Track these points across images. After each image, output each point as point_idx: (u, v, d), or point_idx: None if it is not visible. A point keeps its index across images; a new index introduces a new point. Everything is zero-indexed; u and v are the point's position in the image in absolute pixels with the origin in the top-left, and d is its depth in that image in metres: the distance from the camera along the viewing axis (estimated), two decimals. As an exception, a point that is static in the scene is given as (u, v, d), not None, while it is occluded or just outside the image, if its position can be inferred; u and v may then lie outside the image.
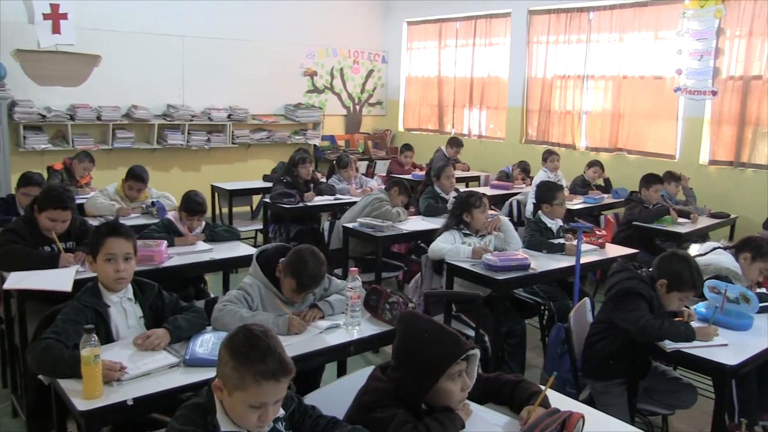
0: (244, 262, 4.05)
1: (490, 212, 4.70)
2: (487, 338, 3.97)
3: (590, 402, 3.17)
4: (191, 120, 8.77)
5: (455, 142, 8.80)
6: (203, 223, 4.49)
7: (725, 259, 3.83)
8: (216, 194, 7.28)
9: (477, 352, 2.09)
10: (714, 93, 7.28)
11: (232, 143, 9.22)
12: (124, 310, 2.73)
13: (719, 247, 3.97)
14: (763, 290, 3.67)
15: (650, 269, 3.27)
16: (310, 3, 10.01)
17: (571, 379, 3.33)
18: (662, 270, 3.16)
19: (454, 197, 5.83)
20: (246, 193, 7.40)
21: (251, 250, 4.05)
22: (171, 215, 4.54)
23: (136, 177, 5.42)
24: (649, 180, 6.14)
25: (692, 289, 3.14)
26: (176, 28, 8.69)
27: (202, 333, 2.73)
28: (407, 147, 9.00)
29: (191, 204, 4.40)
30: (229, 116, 9.14)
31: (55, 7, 7.64)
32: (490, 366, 3.93)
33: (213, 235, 4.46)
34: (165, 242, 4.01)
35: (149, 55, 8.51)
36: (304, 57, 10.21)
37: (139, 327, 2.72)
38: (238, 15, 9.25)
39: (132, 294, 2.77)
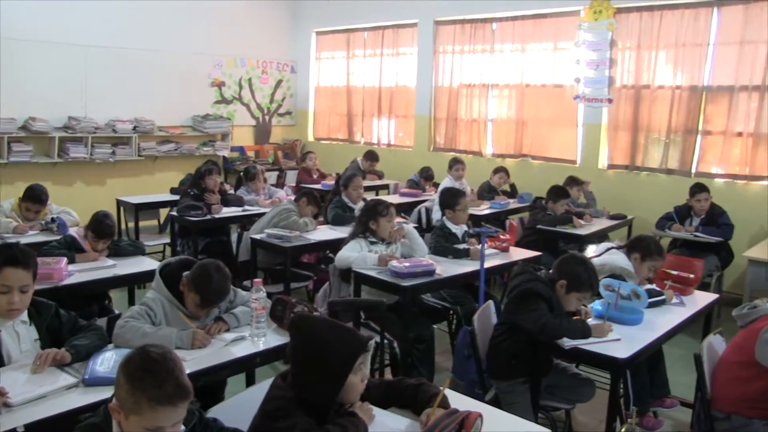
0: (149, 277, 3.93)
1: (399, 220, 4.77)
2: (396, 344, 4.03)
3: (496, 402, 3.27)
4: (95, 132, 8.51)
5: (371, 156, 8.87)
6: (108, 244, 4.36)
7: (619, 259, 4.02)
8: (122, 208, 7.08)
9: (373, 343, 2.14)
10: (610, 101, 7.63)
11: (138, 156, 8.99)
12: (16, 334, 2.62)
13: (613, 248, 4.16)
14: (653, 286, 3.87)
15: (550, 271, 3.41)
16: (218, 13, 9.91)
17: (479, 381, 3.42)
18: (561, 272, 3.30)
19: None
20: (153, 207, 7.23)
21: (156, 265, 3.97)
22: (74, 231, 4.39)
23: (34, 198, 5.09)
24: (558, 194, 6.37)
25: (589, 290, 3.29)
26: (78, 37, 8.42)
27: (103, 351, 2.67)
28: (309, 151, 9.08)
29: (101, 227, 4.25)
30: (134, 128, 8.91)
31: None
32: (399, 371, 3.99)
33: (117, 249, 4.34)
34: (65, 259, 3.89)
35: (48, 64, 8.19)
36: (211, 67, 10.08)
37: (33, 350, 2.61)
38: (143, 24, 9.05)
39: (27, 316, 2.66)
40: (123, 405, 1.78)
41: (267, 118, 11.03)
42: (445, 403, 2.21)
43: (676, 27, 7.05)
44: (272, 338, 2.98)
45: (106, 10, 8.63)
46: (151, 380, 1.75)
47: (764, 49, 6.49)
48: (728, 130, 6.80)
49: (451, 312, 4.67)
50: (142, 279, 4.27)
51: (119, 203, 7.09)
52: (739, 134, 6.74)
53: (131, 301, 4.57)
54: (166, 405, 1.75)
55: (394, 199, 7.58)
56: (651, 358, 3.79)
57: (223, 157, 10.01)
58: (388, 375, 4.07)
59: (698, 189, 6.10)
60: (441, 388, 2.24)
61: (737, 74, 6.67)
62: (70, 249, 4.18)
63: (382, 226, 4.43)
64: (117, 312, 3.87)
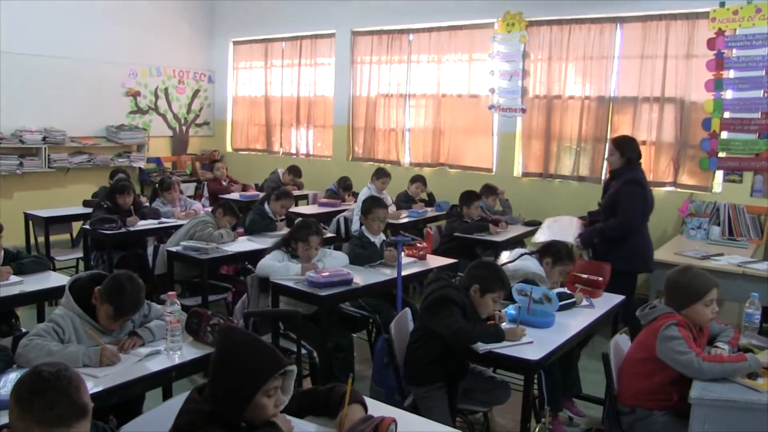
0: (59, 293, 3.80)
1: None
2: (315, 354, 4.03)
3: (415, 407, 3.32)
4: (-1, 143, 8.19)
5: (295, 171, 8.81)
6: (1, 251, 4.17)
7: (531, 264, 4.14)
8: (30, 222, 6.83)
9: (294, 368, 2.10)
10: (523, 110, 7.87)
11: (49, 167, 8.69)
12: None
13: (526, 253, 4.29)
14: (564, 289, 4.02)
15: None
16: (132, 21, 9.72)
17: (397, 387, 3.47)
18: (472, 277, 3.38)
19: (281, 218, 5.91)
20: (65, 220, 6.98)
21: (65, 280, 3.85)
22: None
23: None
24: (470, 198, 6.49)
25: (502, 288, 3.38)
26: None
27: (7, 373, 2.56)
28: (215, 160, 8.95)
29: None
30: (44, 139, 8.61)
31: None
32: (318, 381, 3.99)
33: (21, 267, 4.14)
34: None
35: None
36: (126, 76, 9.86)
37: None
38: (53, 31, 8.77)
39: None
40: (15, 429, 1.71)
41: (184, 128, 10.85)
42: (357, 398, 2.24)
43: (583, 41, 7.36)
44: (188, 351, 2.94)
45: (12, 14, 8.30)
46: (41, 402, 1.68)
47: (661, 63, 6.88)
48: (633, 138, 7.13)
49: (370, 320, 4.71)
50: (52, 295, 4.12)
51: (27, 217, 6.83)
52: (643, 143, 7.04)
53: (41, 319, 4.39)
54: (58, 427, 1.68)
55: (313, 209, 7.62)
56: (564, 358, 3.94)
57: (139, 168, 9.80)
58: (307, 385, 4.07)
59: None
60: (348, 387, 2.23)
61: (640, 86, 7.04)
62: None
63: (299, 251, 4.44)
64: (24, 330, 3.73)
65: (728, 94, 6.50)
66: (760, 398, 2.70)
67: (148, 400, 3.29)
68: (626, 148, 4.93)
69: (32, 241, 6.85)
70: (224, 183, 8.61)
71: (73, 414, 1.71)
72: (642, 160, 5.15)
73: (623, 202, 4.78)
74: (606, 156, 5.10)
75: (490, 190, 7.16)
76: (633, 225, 4.75)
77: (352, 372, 4.29)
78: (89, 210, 6.58)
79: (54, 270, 5.33)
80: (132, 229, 6.01)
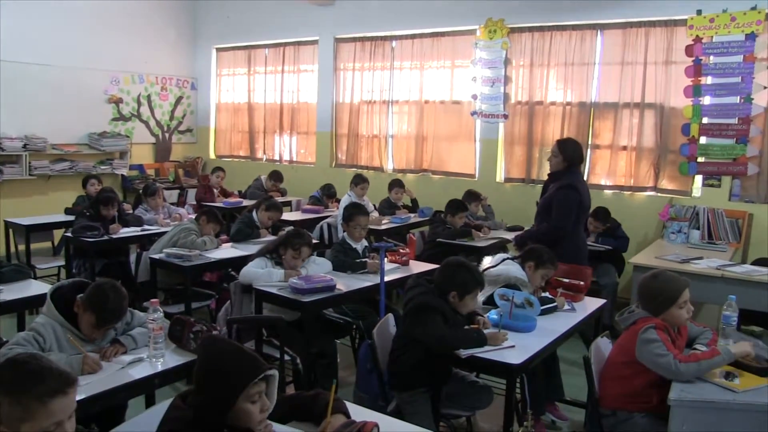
0: (40, 301, 3.79)
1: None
2: (299, 360, 4.04)
3: (398, 413, 3.33)
4: (-22, 150, 8.13)
5: (276, 176, 8.79)
6: None
7: (513, 269, 4.16)
8: (11, 230, 6.78)
9: (275, 372, 2.11)
10: (505, 116, 7.92)
11: (30, 175, 8.64)
12: None
13: (508, 258, 4.31)
14: (546, 294, 4.05)
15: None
16: (114, 27, 9.69)
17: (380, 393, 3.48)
18: (449, 284, 3.37)
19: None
20: (46, 228, 6.94)
21: (46, 288, 3.83)
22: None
23: None
24: (457, 207, 6.50)
25: (478, 285, 3.41)
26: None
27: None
28: (218, 168, 8.91)
29: None
30: (25, 146, 8.56)
31: None
32: (302, 387, 3.99)
33: (0, 276, 4.12)
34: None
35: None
36: (108, 83, 9.81)
37: None
38: (34, 37, 8.73)
39: None
40: (9, 422, 1.73)
41: (167, 135, 10.82)
42: (341, 408, 2.25)
43: (564, 47, 7.43)
44: (171, 359, 2.94)
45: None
46: (32, 379, 1.75)
47: (641, 70, 6.97)
48: (614, 144, 7.22)
49: (354, 326, 4.71)
50: (33, 304, 4.11)
51: (8, 225, 6.78)
52: (624, 148, 7.17)
53: (21, 328, 4.36)
54: (56, 396, 1.75)
55: (296, 215, 7.61)
56: (546, 362, 3.96)
57: (122, 175, 9.76)
58: (291, 392, 4.07)
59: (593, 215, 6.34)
60: (338, 397, 2.26)
61: (620, 92, 7.12)
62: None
63: (287, 258, 4.45)
64: (4, 340, 3.71)
65: (706, 100, 6.59)
66: (736, 398, 2.76)
67: (131, 408, 3.27)
68: (569, 152, 4.96)
69: (13, 249, 6.80)
70: (215, 191, 8.52)
71: (65, 381, 1.79)
72: (583, 165, 5.23)
73: (556, 208, 4.85)
74: (548, 157, 5.15)
75: (472, 196, 7.17)
76: (564, 230, 4.83)
77: (335, 378, 4.30)
78: (71, 218, 6.55)
79: (35, 278, 5.31)
80: (115, 236, 5.98)
